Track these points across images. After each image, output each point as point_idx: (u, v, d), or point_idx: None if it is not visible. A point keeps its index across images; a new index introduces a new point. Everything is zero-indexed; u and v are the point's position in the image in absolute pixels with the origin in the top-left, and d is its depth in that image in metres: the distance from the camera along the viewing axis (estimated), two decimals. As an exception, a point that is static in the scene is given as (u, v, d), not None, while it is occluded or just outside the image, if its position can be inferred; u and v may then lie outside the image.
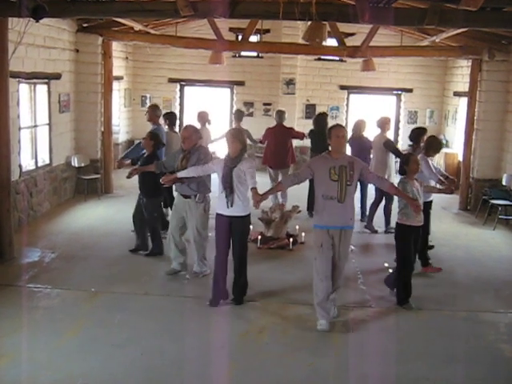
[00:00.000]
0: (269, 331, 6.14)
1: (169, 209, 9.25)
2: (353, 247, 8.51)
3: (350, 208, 6.15)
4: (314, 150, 10.90)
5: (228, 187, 6.46)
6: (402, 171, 6.99)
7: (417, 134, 8.82)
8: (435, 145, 8.03)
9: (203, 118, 10.95)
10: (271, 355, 5.63)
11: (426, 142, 8.19)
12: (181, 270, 7.68)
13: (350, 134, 10.56)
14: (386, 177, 9.48)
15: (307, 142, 15.04)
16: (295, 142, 12.05)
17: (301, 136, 11.45)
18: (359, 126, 10.72)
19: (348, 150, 10.79)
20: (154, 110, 9.82)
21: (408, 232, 6.86)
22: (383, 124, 10.18)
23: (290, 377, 5.28)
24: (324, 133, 10.24)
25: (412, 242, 6.90)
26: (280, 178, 11.09)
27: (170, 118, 10.27)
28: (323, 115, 11.51)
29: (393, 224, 9.84)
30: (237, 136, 6.61)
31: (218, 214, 6.67)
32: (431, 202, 8.10)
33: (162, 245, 8.38)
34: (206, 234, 7.54)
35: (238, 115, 11.79)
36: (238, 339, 5.94)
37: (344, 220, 6.12)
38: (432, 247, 8.74)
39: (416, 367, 5.52)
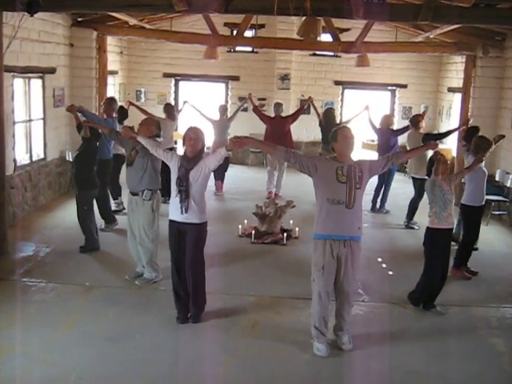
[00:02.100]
0: (262, 326, 6.17)
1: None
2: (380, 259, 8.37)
3: (358, 215, 5.43)
4: (325, 141, 11.73)
5: (183, 191, 5.82)
6: (429, 172, 6.73)
7: (470, 135, 8.70)
8: (484, 145, 7.74)
9: (168, 110, 11.56)
10: (264, 350, 5.66)
11: (474, 144, 7.86)
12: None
13: (378, 126, 11.50)
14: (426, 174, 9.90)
15: (301, 137, 15.24)
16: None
17: (301, 110, 12.39)
18: (387, 120, 11.44)
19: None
20: (109, 103, 9.81)
21: (438, 236, 6.55)
22: (417, 122, 10.54)
23: (284, 371, 5.31)
24: (332, 125, 11.27)
25: (442, 247, 6.59)
26: (277, 164, 12.16)
27: (120, 113, 10.28)
28: (331, 109, 12.41)
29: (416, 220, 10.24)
30: (200, 135, 5.94)
31: (170, 221, 6.07)
32: (483, 206, 8.04)
33: (96, 240, 8.29)
34: (154, 235, 7.12)
35: (222, 109, 12.49)
36: (231, 334, 5.96)
37: (352, 229, 5.39)
38: (476, 249, 8.54)
39: (408, 361, 5.56)
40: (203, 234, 6.06)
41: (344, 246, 5.41)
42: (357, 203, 5.35)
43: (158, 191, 7.24)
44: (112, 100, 10.02)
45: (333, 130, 5.60)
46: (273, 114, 12.39)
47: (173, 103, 16.32)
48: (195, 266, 6.02)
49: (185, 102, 12.49)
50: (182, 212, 5.87)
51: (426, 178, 10.01)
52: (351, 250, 5.44)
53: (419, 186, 10.17)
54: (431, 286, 6.65)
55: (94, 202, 8.59)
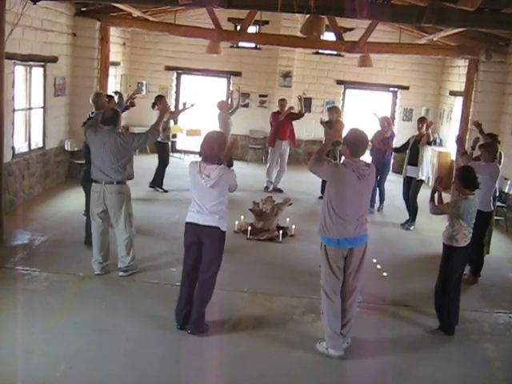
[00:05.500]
0: (254, 322, 6.17)
1: None
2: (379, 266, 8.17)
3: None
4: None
5: None
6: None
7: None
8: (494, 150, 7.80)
9: (162, 102, 11.37)
10: (256, 347, 5.66)
11: (492, 152, 7.80)
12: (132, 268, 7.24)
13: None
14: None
15: (301, 136, 15.27)
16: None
17: (300, 114, 12.68)
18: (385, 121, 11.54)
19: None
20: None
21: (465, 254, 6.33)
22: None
23: (274, 369, 5.30)
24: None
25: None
26: (279, 160, 12.64)
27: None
28: (334, 108, 12.56)
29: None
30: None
31: None
32: (491, 212, 7.96)
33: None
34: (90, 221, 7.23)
35: (221, 104, 12.72)
36: (223, 329, 5.95)
37: None
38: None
39: (399, 363, 5.56)
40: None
41: None
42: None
43: (93, 183, 7.02)
44: (100, 94, 9.70)
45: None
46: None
47: (174, 96, 16.39)
48: None
49: (188, 104, 12.12)
50: None
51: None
52: None
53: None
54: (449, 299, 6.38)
55: None
